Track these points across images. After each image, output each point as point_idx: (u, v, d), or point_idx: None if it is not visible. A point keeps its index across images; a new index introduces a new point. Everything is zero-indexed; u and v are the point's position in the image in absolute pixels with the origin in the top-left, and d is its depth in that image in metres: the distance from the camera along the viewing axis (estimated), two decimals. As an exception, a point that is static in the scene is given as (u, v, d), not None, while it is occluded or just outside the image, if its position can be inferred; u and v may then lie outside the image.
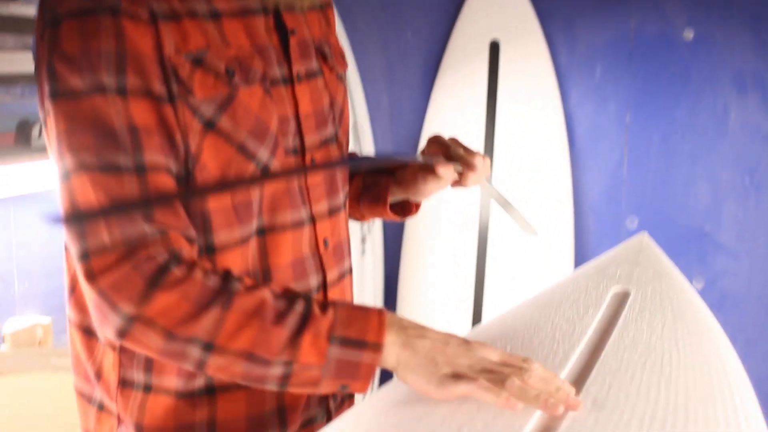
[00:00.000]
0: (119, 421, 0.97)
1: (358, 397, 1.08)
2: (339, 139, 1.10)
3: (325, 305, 0.86)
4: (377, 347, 0.83)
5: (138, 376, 0.95)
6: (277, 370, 0.84)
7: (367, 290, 2.55)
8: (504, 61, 2.58)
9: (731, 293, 2.48)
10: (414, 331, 0.85)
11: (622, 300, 1.11)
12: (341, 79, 1.11)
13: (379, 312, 0.86)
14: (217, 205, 0.91)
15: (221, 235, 0.92)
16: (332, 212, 1.06)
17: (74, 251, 0.85)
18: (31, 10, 1.72)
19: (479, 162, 1.11)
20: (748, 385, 0.94)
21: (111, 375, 0.96)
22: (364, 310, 0.86)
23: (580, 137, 2.61)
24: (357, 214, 1.24)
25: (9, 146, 1.81)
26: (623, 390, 0.83)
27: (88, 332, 0.98)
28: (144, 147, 0.85)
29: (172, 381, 0.94)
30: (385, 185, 1.18)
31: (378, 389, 0.87)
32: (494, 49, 2.58)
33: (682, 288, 1.20)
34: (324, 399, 1.04)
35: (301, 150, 1.00)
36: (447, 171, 1.09)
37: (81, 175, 0.84)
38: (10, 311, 1.93)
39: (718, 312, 1.19)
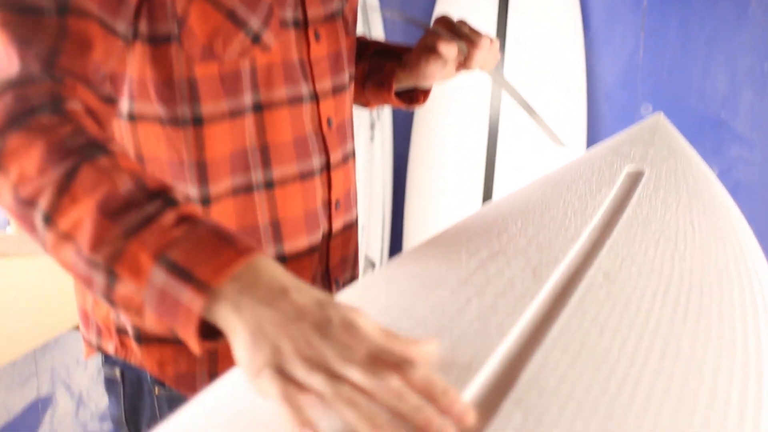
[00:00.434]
0: None
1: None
2: (345, 15, 1.05)
3: (186, 218, 0.65)
4: (203, 288, 0.60)
5: None
6: (100, 277, 0.66)
7: (376, 177, 2.53)
8: (519, -59, 2.49)
9: (745, 182, 2.45)
10: (265, 293, 0.60)
11: (636, 179, 1.08)
12: None
13: (244, 250, 0.62)
14: (203, 73, 0.88)
15: (208, 106, 0.89)
16: (336, 91, 1.02)
17: None
18: None
19: (485, 42, 1.07)
20: (765, 265, 0.92)
21: None
22: (228, 241, 0.63)
23: (595, 21, 2.53)
24: (362, 99, 1.20)
25: None
26: (636, 265, 0.81)
27: None
28: None
29: None
30: (390, 70, 1.14)
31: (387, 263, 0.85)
32: (509, -72, 2.48)
33: (698, 168, 1.17)
34: (326, 286, 1.03)
35: (303, 23, 0.96)
36: (449, 49, 1.05)
37: None
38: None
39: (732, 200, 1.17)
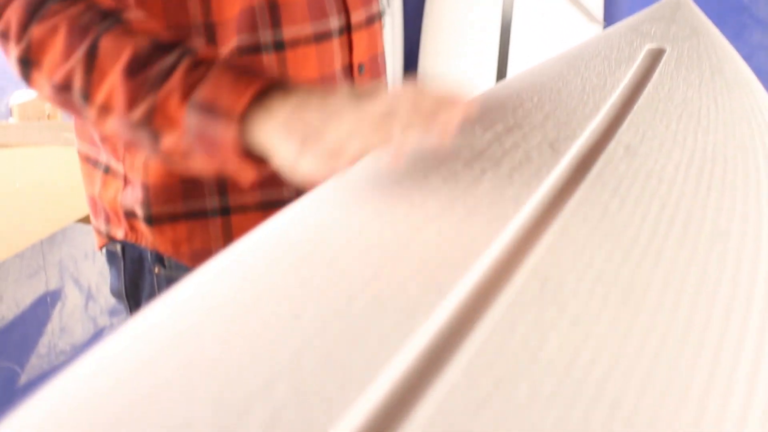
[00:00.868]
0: (125, 182, 0.94)
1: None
2: None
3: (204, 61, 0.69)
4: (230, 117, 0.65)
5: None
6: (144, 136, 0.72)
7: (386, 64, 2.46)
8: None
9: (766, 69, 2.38)
10: (292, 102, 0.65)
11: (657, 56, 1.04)
12: None
13: (261, 75, 0.67)
14: None
15: None
16: None
17: None
18: None
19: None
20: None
21: None
22: (244, 71, 0.67)
23: None
24: None
25: None
26: (657, 138, 0.78)
27: None
28: None
29: None
30: None
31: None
32: None
33: (721, 46, 1.12)
34: None
35: None
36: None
37: None
38: (16, 83, 1.88)
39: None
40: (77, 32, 0.72)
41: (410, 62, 2.67)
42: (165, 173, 0.91)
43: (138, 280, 0.98)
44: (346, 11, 0.95)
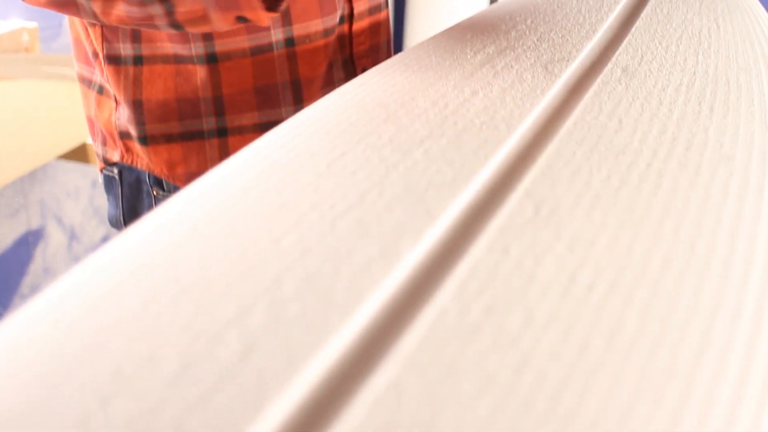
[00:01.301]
0: (117, 102, 0.91)
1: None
2: None
3: None
4: None
5: (125, 49, 0.86)
6: (157, 8, 0.72)
7: None
8: None
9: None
10: None
11: (655, -21, 0.99)
12: None
13: None
14: None
15: None
16: None
17: None
18: None
19: None
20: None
21: (100, 52, 0.88)
22: None
23: None
24: None
25: None
26: (656, 60, 0.74)
27: None
28: None
29: (165, 47, 0.85)
30: None
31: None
32: None
33: (722, -31, 1.08)
34: (350, 73, 0.96)
35: None
36: None
37: None
38: (-10, 16, 1.81)
39: None
40: None
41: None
42: (160, 89, 0.87)
43: (136, 205, 0.95)
44: (349, 1, 0.91)
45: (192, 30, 0.73)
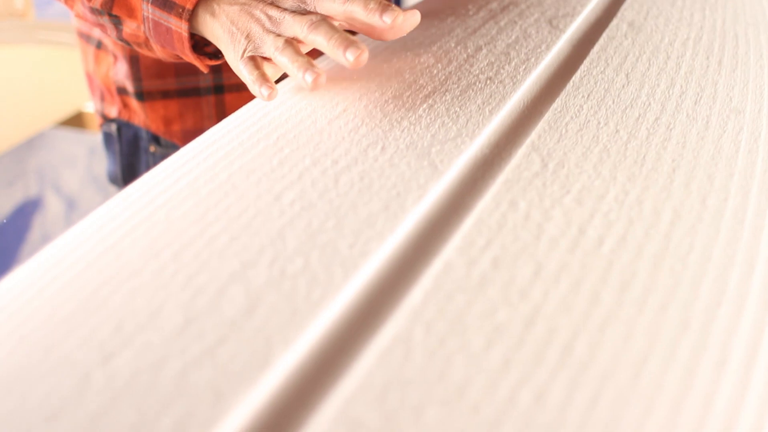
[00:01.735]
0: (115, 58, 0.90)
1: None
2: None
3: None
4: (182, 11, 0.65)
5: None
6: (107, 22, 0.72)
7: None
8: None
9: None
10: None
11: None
12: None
13: None
14: None
15: None
16: None
17: None
18: None
19: None
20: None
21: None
22: None
23: None
24: None
25: None
26: (662, 15, 0.73)
27: None
28: None
29: None
30: None
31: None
32: None
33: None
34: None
35: None
36: None
37: None
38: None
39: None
40: None
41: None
42: None
43: (134, 161, 0.94)
44: None
45: (141, 51, 0.73)
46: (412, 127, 0.52)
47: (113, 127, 0.95)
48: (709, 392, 0.32)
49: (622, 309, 0.36)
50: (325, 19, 0.58)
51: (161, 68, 0.87)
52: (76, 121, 1.73)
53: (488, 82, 0.58)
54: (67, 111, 1.67)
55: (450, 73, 0.60)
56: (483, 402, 0.31)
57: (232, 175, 0.48)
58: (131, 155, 0.95)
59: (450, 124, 0.52)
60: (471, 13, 0.73)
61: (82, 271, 0.40)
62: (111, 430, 0.30)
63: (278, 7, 0.61)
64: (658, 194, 0.45)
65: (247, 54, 0.61)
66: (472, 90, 0.57)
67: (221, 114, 0.88)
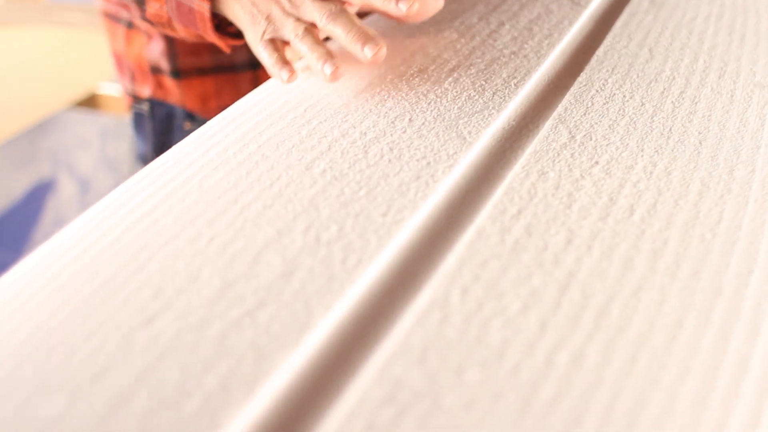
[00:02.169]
0: (149, 37, 0.90)
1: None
2: None
3: None
4: None
5: None
6: (133, 4, 0.73)
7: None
8: None
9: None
10: None
11: None
12: None
13: None
14: None
15: None
16: None
17: None
18: None
19: None
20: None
21: None
22: None
23: None
24: None
25: None
26: (685, -8, 0.73)
27: None
28: None
29: None
30: None
31: None
32: None
33: None
34: None
35: None
36: None
37: None
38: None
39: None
40: None
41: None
42: None
43: (167, 140, 0.94)
44: None
45: (163, 31, 0.73)
46: (438, 100, 0.52)
47: (145, 107, 0.94)
48: (744, 356, 0.33)
49: (655, 275, 0.37)
50: (344, 10, 0.58)
51: (196, 45, 0.87)
52: (90, 102, 1.73)
53: (512, 56, 0.59)
54: (81, 92, 1.68)
55: (474, 47, 0.60)
56: (522, 364, 0.32)
57: (262, 146, 0.48)
58: (164, 134, 0.95)
59: (476, 97, 0.52)
60: (492, -11, 0.73)
61: (120, 236, 0.40)
62: (157, 387, 0.30)
63: None
64: (685, 165, 0.46)
65: (267, 36, 0.61)
66: (497, 64, 0.57)
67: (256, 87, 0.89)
